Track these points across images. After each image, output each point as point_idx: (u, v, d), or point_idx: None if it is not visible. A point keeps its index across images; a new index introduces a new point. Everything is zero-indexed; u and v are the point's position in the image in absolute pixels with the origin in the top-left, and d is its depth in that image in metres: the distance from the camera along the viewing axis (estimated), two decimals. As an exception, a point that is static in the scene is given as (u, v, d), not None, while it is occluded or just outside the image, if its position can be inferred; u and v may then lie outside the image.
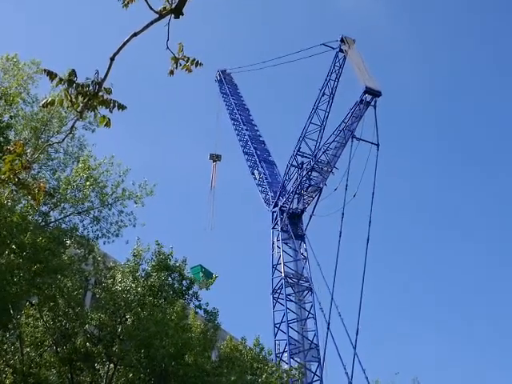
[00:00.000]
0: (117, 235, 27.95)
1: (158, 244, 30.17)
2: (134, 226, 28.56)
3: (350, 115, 35.90)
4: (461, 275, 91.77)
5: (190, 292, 30.70)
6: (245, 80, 67.25)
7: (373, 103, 35.10)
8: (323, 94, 38.92)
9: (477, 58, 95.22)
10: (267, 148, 47.41)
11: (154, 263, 29.26)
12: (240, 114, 50.10)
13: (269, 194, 42.42)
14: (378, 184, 34.85)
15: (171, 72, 7.32)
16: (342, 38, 38.00)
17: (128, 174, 28.05)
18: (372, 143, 34.76)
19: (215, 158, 53.97)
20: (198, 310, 31.52)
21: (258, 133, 49.01)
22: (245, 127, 48.55)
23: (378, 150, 34.79)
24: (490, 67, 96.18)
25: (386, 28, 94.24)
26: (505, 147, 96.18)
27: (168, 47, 7.14)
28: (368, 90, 34.72)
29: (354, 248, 51.80)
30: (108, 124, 7.09)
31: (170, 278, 29.66)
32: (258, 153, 46.25)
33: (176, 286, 29.88)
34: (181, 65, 7.26)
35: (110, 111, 7.07)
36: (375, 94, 34.93)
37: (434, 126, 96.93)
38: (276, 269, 38.68)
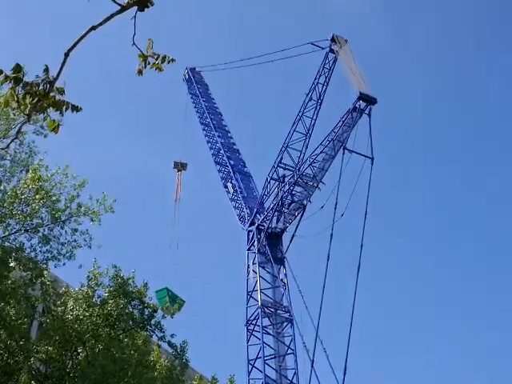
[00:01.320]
0: (69, 257, 27.65)
1: (116, 267, 29.61)
2: (90, 247, 28.35)
3: (340, 124, 35.57)
4: (463, 307, 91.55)
5: (153, 322, 30.37)
6: (218, 80, 66.47)
7: (367, 111, 34.83)
8: (310, 99, 38.42)
9: (482, 60, 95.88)
10: (242, 158, 46.92)
11: (111, 289, 29.04)
12: (211, 119, 49.49)
13: (244, 210, 41.85)
14: (370, 201, 34.42)
15: (140, 71, 7.30)
16: (332, 37, 37.62)
17: (84, 186, 27.85)
18: (366, 156, 34.41)
19: (180, 166, 53.34)
20: (161, 342, 30.87)
21: (231, 140, 48.48)
22: (217, 133, 47.97)
23: (372, 163, 34.41)
24: (495, 69, 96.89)
25: (380, 30, 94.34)
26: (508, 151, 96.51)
27: (134, 43, 7.11)
28: (362, 97, 34.41)
29: (342, 273, 51.18)
30: (56, 129, 6.96)
31: (129, 306, 29.56)
32: (232, 163, 45.70)
33: (136, 314, 29.73)
34: (150, 63, 7.28)
35: (62, 114, 6.97)
36: (370, 100, 34.62)
37: (433, 136, 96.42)
38: (251, 296, 37.91)
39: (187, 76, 54.67)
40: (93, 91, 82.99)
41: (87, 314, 27.97)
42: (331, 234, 34.07)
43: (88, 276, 30.11)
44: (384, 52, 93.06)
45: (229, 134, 48.87)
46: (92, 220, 27.90)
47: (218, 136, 47.63)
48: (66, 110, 6.97)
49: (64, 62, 6.84)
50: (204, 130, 49.08)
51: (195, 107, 51.77)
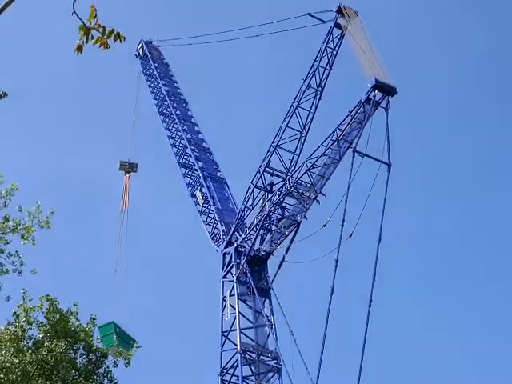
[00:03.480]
0: None
1: (51, 299, 28.82)
2: (20, 272, 27.33)
3: (349, 119, 34.33)
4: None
5: (102, 370, 28.87)
6: (182, 59, 63.69)
7: (384, 104, 33.67)
8: (308, 87, 37.31)
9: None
10: (214, 159, 45.39)
11: (46, 328, 27.85)
12: (174, 108, 47.86)
13: (218, 226, 40.57)
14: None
15: (79, 48, 7.28)
16: (339, 8, 36.43)
17: (14, 194, 27.03)
18: (381, 162, 33.31)
19: (128, 167, 51.39)
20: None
21: (200, 136, 47.09)
22: (182, 126, 46.33)
23: (389, 171, 33.29)
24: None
25: (397, 5, 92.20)
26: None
27: (75, 11, 7.13)
28: (378, 85, 33.18)
29: (348, 308, 49.29)
30: None
31: (70, 350, 28.39)
32: (202, 165, 44.19)
33: (80, 361, 28.57)
34: (93, 37, 7.29)
35: None
36: (388, 91, 33.46)
37: (458, 134, 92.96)
38: (227, 338, 37.09)
39: (141, 52, 53.20)
40: (21, 74, 79.72)
41: (16, 360, 27.07)
42: (336, 260, 32.99)
43: (15, 312, 29.17)
44: (404, 32, 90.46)
45: (196, 128, 47.45)
46: (23, 238, 27.07)
47: (184, 130, 46.09)
48: None
49: None
50: (164, 121, 47.65)
51: (152, 92, 50.33)
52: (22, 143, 79.80)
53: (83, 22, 7.24)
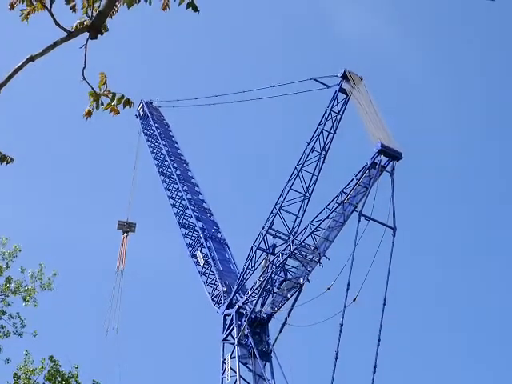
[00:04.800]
0: None
1: (54, 361, 28.15)
2: (21, 335, 27.17)
3: (355, 183, 34.19)
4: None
5: None
6: (183, 120, 63.19)
7: (389, 168, 33.60)
8: (312, 150, 37.22)
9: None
10: (215, 220, 45.06)
11: None
12: (175, 168, 47.71)
13: (219, 288, 39.95)
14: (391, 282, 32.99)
15: (88, 113, 7.27)
16: (344, 73, 36.60)
17: (16, 256, 27.12)
18: (386, 226, 33.04)
19: (127, 227, 51.09)
20: None
21: (200, 197, 46.78)
22: (182, 187, 46.10)
23: (394, 235, 33.01)
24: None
25: (401, 62, 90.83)
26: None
27: (84, 78, 7.15)
28: (384, 150, 33.15)
29: (350, 373, 47.94)
30: None
31: None
32: (202, 225, 43.83)
33: None
34: (103, 104, 7.30)
35: None
36: (394, 156, 33.40)
37: (467, 196, 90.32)
38: None
39: (142, 112, 53.12)
40: (22, 136, 79.20)
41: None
42: (341, 325, 32.37)
43: (16, 373, 28.40)
44: (409, 89, 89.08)
45: (197, 189, 47.17)
46: (25, 300, 27.10)
47: (184, 190, 45.80)
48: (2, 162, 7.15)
49: None
50: (164, 182, 47.38)
51: (152, 152, 50.07)
52: (20, 207, 78.87)
53: (93, 88, 7.24)
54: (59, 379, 28.13)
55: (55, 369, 28.32)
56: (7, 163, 7.27)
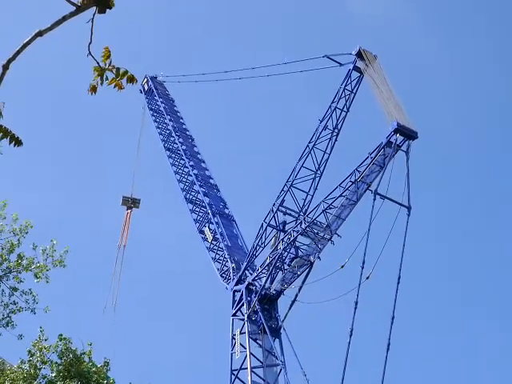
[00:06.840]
0: (6, 325, 26.70)
1: (63, 339, 28.15)
2: (33, 311, 27.11)
3: (369, 162, 34.14)
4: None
5: None
6: (188, 95, 62.43)
7: (405, 147, 33.56)
8: (324, 128, 37.10)
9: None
10: (222, 196, 44.90)
11: (60, 367, 26.96)
12: (181, 143, 47.41)
13: (228, 264, 39.90)
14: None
15: (93, 88, 7.30)
16: (358, 51, 36.43)
17: (28, 232, 26.89)
18: (401, 205, 33.09)
19: (130, 203, 50.85)
20: None
21: (206, 173, 46.55)
22: (188, 162, 45.86)
23: (408, 214, 33.07)
24: None
25: (417, 42, 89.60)
26: None
27: (90, 53, 7.14)
28: (400, 129, 33.10)
29: (363, 350, 47.72)
30: None
31: None
32: (209, 201, 43.67)
33: None
34: (107, 78, 7.30)
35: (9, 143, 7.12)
36: (410, 135, 33.36)
37: (482, 177, 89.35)
38: (237, 377, 36.18)
39: (146, 87, 52.70)
40: (28, 115, 78.02)
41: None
42: (356, 302, 32.45)
43: (30, 351, 28.31)
44: (425, 71, 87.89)
45: (203, 165, 46.92)
46: (36, 276, 26.81)
47: (191, 165, 45.56)
48: (10, 143, 7.12)
49: (2, 76, 6.91)
50: (170, 157, 47.05)
51: (157, 127, 49.66)
52: (30, 184, 77.76)
53: (98, 62, 7.25)
54: (71, 356, 28.12)
55: (66, 347, 28.34)
56: (15, 145, 7.21)
